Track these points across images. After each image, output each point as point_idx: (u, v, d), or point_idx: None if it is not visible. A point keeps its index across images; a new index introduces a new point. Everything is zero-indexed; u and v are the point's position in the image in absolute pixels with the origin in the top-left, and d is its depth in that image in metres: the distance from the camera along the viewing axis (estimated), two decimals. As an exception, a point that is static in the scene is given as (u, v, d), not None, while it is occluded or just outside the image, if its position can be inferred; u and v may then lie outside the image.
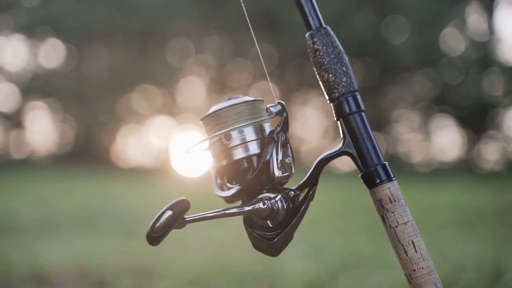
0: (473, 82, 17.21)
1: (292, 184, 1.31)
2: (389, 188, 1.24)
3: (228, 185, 1.33)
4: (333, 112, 1.29)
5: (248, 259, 4.62)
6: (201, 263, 4.64)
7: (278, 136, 1.27)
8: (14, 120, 17.92)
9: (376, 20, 16.96)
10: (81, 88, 17.25)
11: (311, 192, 1.28)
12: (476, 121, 17.10)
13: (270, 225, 1.29)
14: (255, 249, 1.32)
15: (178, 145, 18.05)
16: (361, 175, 1.27)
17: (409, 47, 16.71)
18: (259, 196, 1.28)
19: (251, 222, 1.31)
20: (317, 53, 1.28)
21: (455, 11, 17.25)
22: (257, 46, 1.38)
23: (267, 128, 1.30)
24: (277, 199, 1.27)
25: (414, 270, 1.21)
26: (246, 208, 1.25)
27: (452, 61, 17.33)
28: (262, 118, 1.29)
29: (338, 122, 1.28)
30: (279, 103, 1.29)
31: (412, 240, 1.21)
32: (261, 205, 1.26)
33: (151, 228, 1.18)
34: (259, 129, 1.29)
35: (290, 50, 16.06)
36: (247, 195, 1.29)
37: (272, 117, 1.29)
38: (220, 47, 17.61)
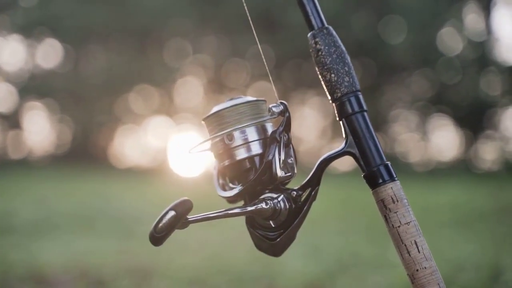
0: (470, 82, 17.23)
1: (294, 184, 1.31)
2: (391, 188, 1.24)
3: (231, 185, 1.32)
4: (336, 112, 1.29)
5: (247, 259, 4.62)
6: (200, 263, 4.64)
7: (281, 136, 1.26)
8: (12, 121, 17.90)
9: (374, 20, 16.97)
10: (79, 88, 17.23)
11: (313, 192, 1.28)
12: (474, 120, 17.12)
13: (273, 225, 1.29)
14: (258, 249, 1.32)
15: (176, 145, 18.05)
16: (363, 175, 1.27)
17: (406, 47, 16.71)
18: (262, 196, 1.27)
19: (254, 222, 1.31)
20: (319, 53, 1.28)
21: (452, 11, 17.26)
22: (259, 46, 1.38)
23: (269, 128, 1.30)
24: (279, 199, 1.27)
25: (417, 270, 1.20)
26: (249, 208, 1.25)
27: (450, 61, 17.35)
28: (264, 118, 1.29)
29: (341, 122, 1.28)
30: (281, 103, 1.29)
31: (415, 240, 1.21)
32: (263, 205, 1.25)
33: (154, 228, 1.17)
34: (261, 129, 1.29)
35: (287, 50, 16.07)
36: (249, 195, 1.29)
37: (274, 117, 1.29)
38: (217, 47, 17.61)
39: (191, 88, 18.39)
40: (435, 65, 17.37)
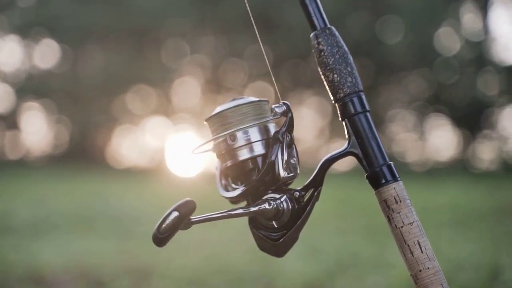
0: (468, 81, 17.25)
1: (294, 185, 1.31)
2: (394, 188, 1.24)
3: (233, 185, 1.32)
4: (338, 112, 1.29)
5: (246, 259, 4.62)
6: (199, 263, 4.64)
7: (283, 136, 1.26)
8: (9, 121, 17.89)
9: (371, 20, 16.98)
10: (76, 88, 17.22)
11: (316, 193, 1.28)
12: (471, 120, 17.14)
13: (276, 226, 1.29)
14: (261, 249, 1.32)
15: (174, 145, 18.05)
16: (366, 176, 1.27)
17: (404, 47, 16.73)
18: (265, 197, 1.27)
19: (257, 223, 1.31)
20: (322, 53, 1.28)
21: (449, 11, 17.28)
22: (261, 46, 1.37)
23: (272, 128, 1.30)
24: (282, 199, 1.26)
25: (420, 270, 1.20)
26: (252, 209, 1.25)
27: (447, 60, 17.36)
28: (267, 119, 1.28)
29: (343, 123, 1.28)
30: (284, 103, 1.29)
31: (418, 241, 1.21)
32: (266, 205, 1.25)
33: (157, 229, 1.17)
34: (264, 130, 1.28)
35: (285, 50, 16.08)
36: (252, 195, 1.29)
37: (277, 118, 1.29)
38: (215, 47, 17.61)
39: (188, 88, 18.38)
40: (433, 65, 17.38)
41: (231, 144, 1.28)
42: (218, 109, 1.29)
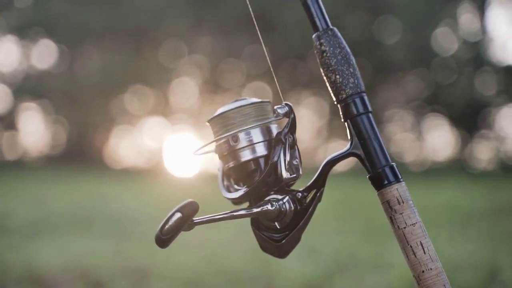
0: (465, 81, 17.27)
1: (297, 186, 1.31)
2: (397, 189, 1.24)
3: (236, 186, 1.32)
4: (340, 113, 1.29)
5: (245, 259, 4.63)
6: (198, 263, 4.64)
7: (286, 137, 1.26)
8: (6, 121, 17.87)
9: (369, 20, 16.99)
10: (74, 89, 17.21)
11: (318, 194, 1.27)
12: (469, 120, 17.16)
13: (278, 227, 1.28)
14: (263, 250, 1.32)
15: (171, 145, 18.05)
16: (368, 176, 1.27)
17: (401, 47, 16.74)
18: (267, 198, 1.27)
19: (259, 224, 1.31)
20: (324, 54, 1.28)
21: (447, 11, 17.29)
22: (263, 46, 1.37)
23: (274, 129, 1.30)
24: (284, 200, 1.26)
25: (423, 271, 1.20)
26: (255, 210, 1.25)
27: (445, 61, 17.38)
28: (269, 120, 1.28)
29: (346, 124, 1.28)
30: (286, 104, 1.29)
31: (420, 241, 1.21)
32: (269, 206, 1.25)
33: (160, 230, 1.17)
34: (266, 131, 1.28)
35: (283, 51, 16.08)
36: (254, 196, 1.28)
37: (279, 119, 1.29)
38: (213, 47, 17.60)
39: (186, 89, 18.38)
40: (430, 65, 17.40)
41: (233, 145, 1.28)
42: (220, 110, 1.29)
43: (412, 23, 16.60)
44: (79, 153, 17.13)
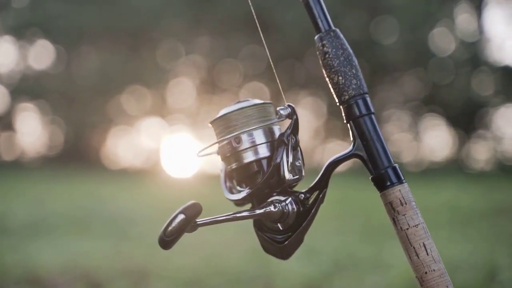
0: (462, 82, 17.29)
1: (299, 187, 1.31)
2: (400, 190, 1.24)
3: (238, 188, 1.32)
4: (343, 114, 1.29)
5: (244, 259, 4.63)
6: (197, 264, 4.64)
7: (288, 138, 1.26)
8: (4, 122, 17.85)
9: (366, 20, 16.99)
10: (71, 89, 17.19)
11: (321, 195, 1.27)
12: (466, 120, 17.18)
13: (281, 228, 1.28)
14: (266, 252, 1.32)
15: (169, 146, 18.04)
16: (371, 178, 1.27)
17: (398, 47, 16.75)
18: (270, 199, 1.27)
19: (262, 225, 1.31)
20: (327, 55, 1.28)
21: (444, 11, 17.31)
22: (265, 46, 1.38)
23: (277, 131, 1.29)
24: (287, 202, 1.26)
25: (426, 272, 1.20)
26: (258, 211, 1.25)
27: (442, 61, 17.40)
28: (271, 121, 1.28)
29: (348, 125, 1.28)
30: (288, 105, 1.29)
31: (423, 243, 1.21)
32: (272, 208, 1.25)
33: (163, 232, 1.17)
34: (269, 132, 1.28)
35: (280, 51, 16.06)
36: (257, 198, 1.28)
37: (282, 120, 1.29)
38: (210, 47, 17.60)
39: (183, 89, 18.38)
40: (427, 65, 17.42)
41: (236, 146, 1.27)
42: (223, 111, 1.29)
43: (410, 23, 16.61)
44: (77, 154, 17.11)
